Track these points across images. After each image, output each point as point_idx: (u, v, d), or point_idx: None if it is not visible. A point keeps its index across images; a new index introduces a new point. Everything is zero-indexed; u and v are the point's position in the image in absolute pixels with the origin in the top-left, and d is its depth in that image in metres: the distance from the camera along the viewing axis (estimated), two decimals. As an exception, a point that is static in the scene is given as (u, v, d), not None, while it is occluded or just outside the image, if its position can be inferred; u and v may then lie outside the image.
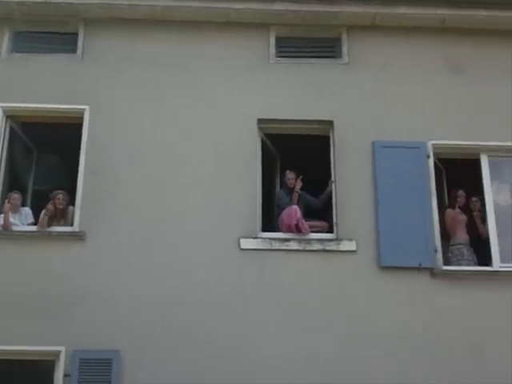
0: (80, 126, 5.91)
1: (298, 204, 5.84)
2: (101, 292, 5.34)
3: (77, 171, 5.78)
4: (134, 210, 5.62)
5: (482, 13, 6.18)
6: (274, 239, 5.60)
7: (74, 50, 6.21)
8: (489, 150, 5.94)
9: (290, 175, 6.02)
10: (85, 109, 5.94)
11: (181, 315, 5.29)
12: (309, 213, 5.94)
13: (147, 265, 5.44)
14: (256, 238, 5.57)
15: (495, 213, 5.77)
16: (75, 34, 6.26)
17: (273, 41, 6.23)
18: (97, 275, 5.40)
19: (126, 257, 5.46)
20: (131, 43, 6.18)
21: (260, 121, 5.95)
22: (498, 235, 5.69)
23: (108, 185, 5.69)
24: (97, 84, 6.04)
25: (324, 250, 5.55)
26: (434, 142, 5.86)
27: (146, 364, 5.14)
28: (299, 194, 5.96)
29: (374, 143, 5.84)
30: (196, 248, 5.52)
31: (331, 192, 5.87)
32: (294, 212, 5.71)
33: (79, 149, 5.84)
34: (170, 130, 5.90)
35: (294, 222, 5.65)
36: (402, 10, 6.17)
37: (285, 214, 5.76)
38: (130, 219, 5.59)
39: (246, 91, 6.06)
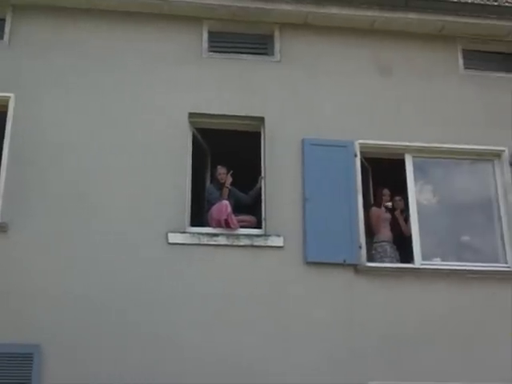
0: (4, 114, 5.71)
1: (228, 199, 5.85)
2: (22, 286, 5.19)
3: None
4: (59, 201, 5.49)
5: (411, 16, 6.31)
6: (203, 234, 5.59)
7: (1, 37, 5.99)
8: (413, 151, 6.11)
9: (220, 170, 6.02)
10: (9, 97, 5.73)
11: (106, 311, 5.19)
12: (238, 208, 5.95)
13: (72, 258, 5.32)
14: (184, 232, 5.54)
15: (418, 212, 5.92)
16: (2, 20, 6.03)
17: (205, 35, 6.21)
18: (18, 268, 5.25)
19: (50, 251, 5.34)
20: (60, 31, 6.04)
21: (191, 115, 5.92)
22: (420, 233, 5.85)
23: (33, 176, 5.53)
24: (23, 71, 5.85)
25: (252, 246, 5.58)
26: (361, 141, 5.97)
27: (69, 360, 5.05)
28: (229, 190, 5.97)
29: (303, 141, 5.90)
30: (123, 242, 5.44)
31: (261, 188, 5.90)
32: (224, 207, 5.70)
33: (3, 138, 5.64)
34: (99, 122, 5.80)
35: (224, 217, 5.65)
36: (334, 10, 6.24)
37: (215, 209, 5.75)
38: (54, 211, 5.45)
39: (177, 85, 6.00)
